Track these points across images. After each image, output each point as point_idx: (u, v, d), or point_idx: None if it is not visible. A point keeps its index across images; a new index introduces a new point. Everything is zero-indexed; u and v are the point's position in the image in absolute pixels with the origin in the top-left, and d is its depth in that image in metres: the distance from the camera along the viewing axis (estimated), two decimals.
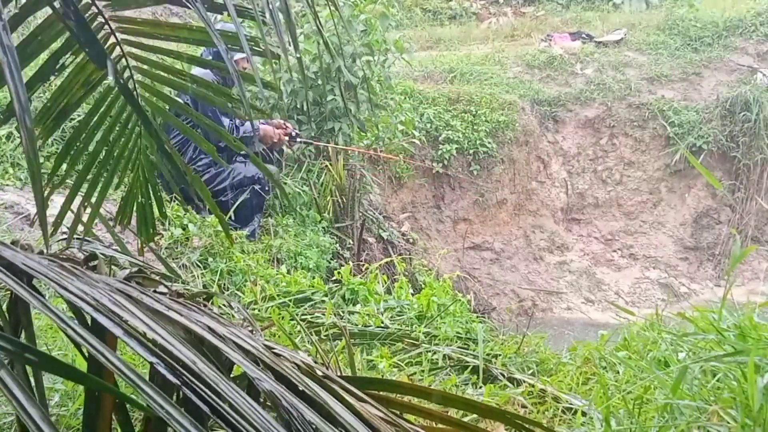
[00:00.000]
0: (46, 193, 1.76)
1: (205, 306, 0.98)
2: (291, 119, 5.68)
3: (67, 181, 1.84)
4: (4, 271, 0.60)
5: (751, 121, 8.61)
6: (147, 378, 0.58)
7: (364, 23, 5.68)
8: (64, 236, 1.57)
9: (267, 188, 5.00)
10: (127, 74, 1.53)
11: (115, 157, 1.66)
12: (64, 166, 1.66)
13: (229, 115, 4.70)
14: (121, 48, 1.48)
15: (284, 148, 5.44)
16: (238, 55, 4.56)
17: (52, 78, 1.44)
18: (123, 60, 1.50)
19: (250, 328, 0.98)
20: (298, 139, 5.27)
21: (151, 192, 1.77)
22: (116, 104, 1.62)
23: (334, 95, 5.56)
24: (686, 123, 8.81)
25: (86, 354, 0.62)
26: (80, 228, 1.59)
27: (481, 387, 2.66)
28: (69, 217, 1.60)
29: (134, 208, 1.80)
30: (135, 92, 1.53)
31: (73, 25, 1.17)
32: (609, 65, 9.46)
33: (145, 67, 1.57)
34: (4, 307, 0.88)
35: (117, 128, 1.64)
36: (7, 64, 0.87)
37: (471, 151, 8.23)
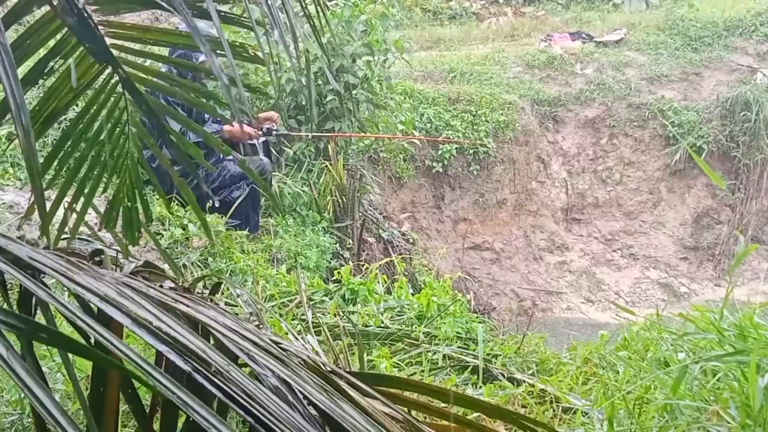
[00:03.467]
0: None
1: (211, 300, 0.98)
2: (291, 119, 5.67)
3: (55, 182, 1.85)
4: (11, 265, 0.60)
5: (751, 121, 8.62)
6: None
7: (364, 23, 5.68)
8: (65, 236, 1.57)
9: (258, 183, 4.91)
10: (116, 78, 1.53)
11: (102, 161, 1.67)
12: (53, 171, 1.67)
13: (202, 117, 4.57)
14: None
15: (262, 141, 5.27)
16: (202, 57, 4.50)
17: (41, 81, 1.44)
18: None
19: (257, 323, 0.99)
20: (275, 133, 5.06)
21: (137, 196, 1.77)
22: (104, 108, 1.62)
23: (334, 95, 5.56)
24: (686, 123, 8.82)
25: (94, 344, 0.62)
26: (80, 229, 1.59)
27: (480, 387, 2.66)
28: (58, 219, 1.60)
29: (120, 212, 1.80)
30: (124, 94, 1.54)
31: (73, 22, 1.17)
32: (609, 65, 9.46)
33: (136, 72, 1.57)
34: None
35: (105, 131, 1.64)
36: (2, 63, 0.87)
37: (471, 151, 8.23)
